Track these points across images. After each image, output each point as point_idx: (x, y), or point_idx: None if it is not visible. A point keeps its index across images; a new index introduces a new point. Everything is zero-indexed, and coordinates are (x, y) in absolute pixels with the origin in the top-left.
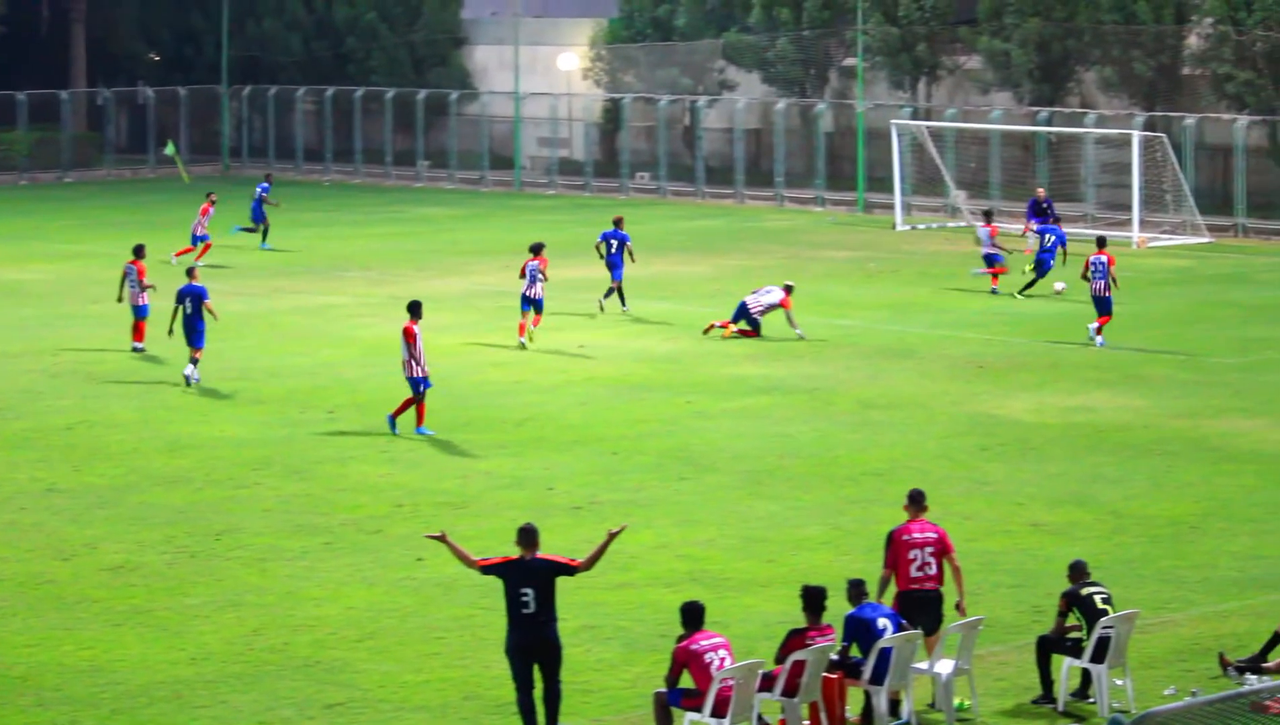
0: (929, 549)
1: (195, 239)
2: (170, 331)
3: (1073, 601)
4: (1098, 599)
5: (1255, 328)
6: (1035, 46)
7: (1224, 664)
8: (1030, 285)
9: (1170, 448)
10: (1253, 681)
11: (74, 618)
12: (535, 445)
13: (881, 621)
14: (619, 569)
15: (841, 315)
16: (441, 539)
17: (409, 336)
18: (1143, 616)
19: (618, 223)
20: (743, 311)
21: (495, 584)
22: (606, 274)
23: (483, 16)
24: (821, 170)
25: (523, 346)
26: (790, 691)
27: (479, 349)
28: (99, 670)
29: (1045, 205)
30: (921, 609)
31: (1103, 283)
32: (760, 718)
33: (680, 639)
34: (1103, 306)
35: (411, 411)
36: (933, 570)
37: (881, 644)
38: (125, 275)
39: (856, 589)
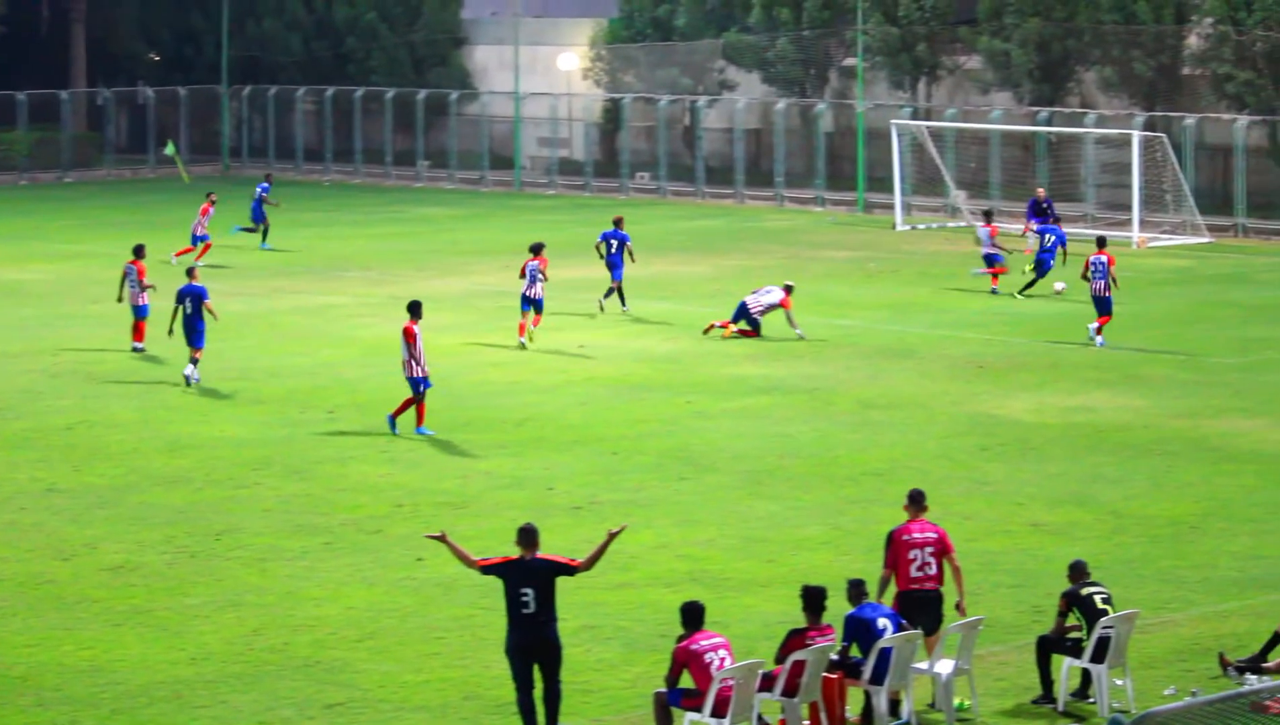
0: (929, 549)
1: (195, 239)
2: (170, 331)
3: (1073, 601)
4: (1098, 599)
5: (1255, 328)
6: (1035, 46)
7: (1224, 664)
8: (1030, 285)
9: (1170, 448)
10: (1253, 681)
11: (74, 618)
12: (535, 445)
13: (881, 621)
14: (619, 569)
15: (841, 315)
16: (441, 539)
17: (409, 336)
18: (1143, 616)
19: (618, 223)
20: (743, 311)
21: (495, 584)
22: (606, 274)
23: (483, 16)
24: (821, 170)
25: (522, 346)
26: (790, 691)
27: (479, 349)
28: (99, 670)
29: (1045, 205)
30: (921, 609)
31: (1102, 283)
32: (760, 718)
33: (680, 639)
34: (1103, 306)
35: (411, 411)
36: (933, 570)
37: (881, 644)
38: (125, 275)
39: (856, 589)
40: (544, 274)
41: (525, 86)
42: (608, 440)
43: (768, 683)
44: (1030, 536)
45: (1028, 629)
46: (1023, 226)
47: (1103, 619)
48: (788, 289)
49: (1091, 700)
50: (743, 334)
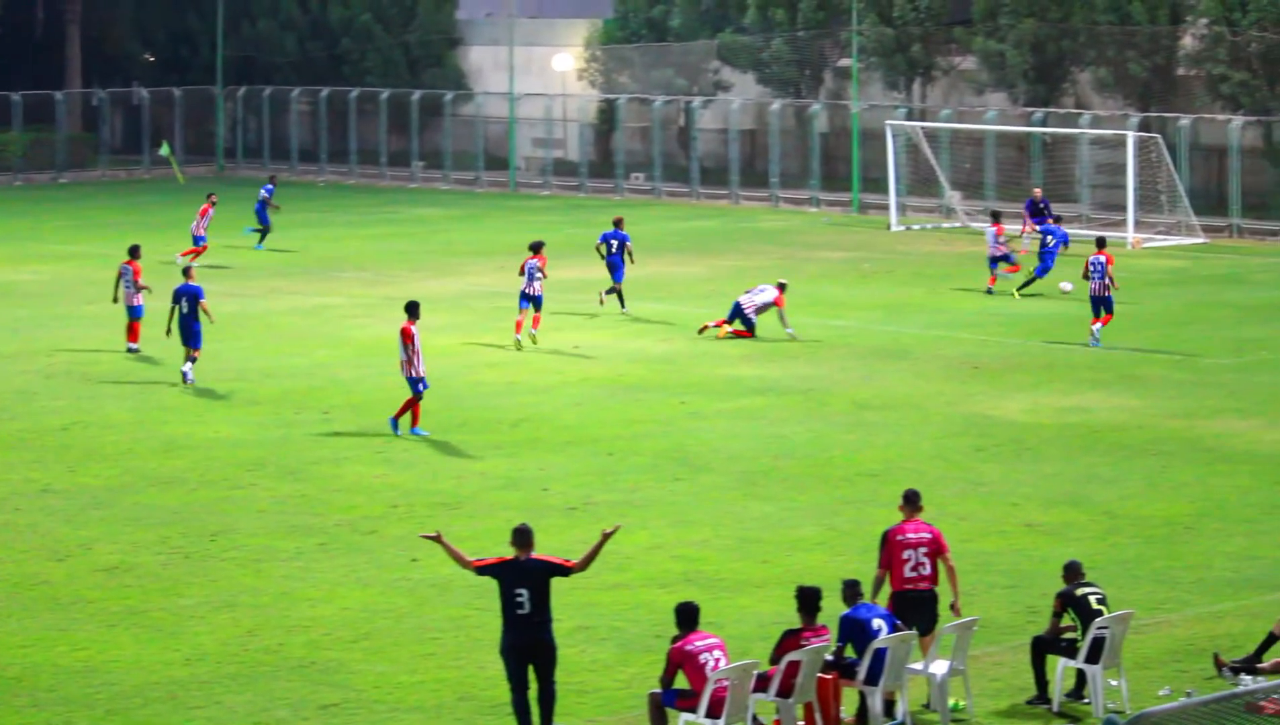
0: (923, 549)
1: (196, 239)
2: (168, 331)
3: (1067, 602)
4: (1092, 599)
5: (1250, 328)
6: (1030, 47)
7: (1219, 664)
8: (1028, 283)
9: (1165, 448)
10: (1247, 682)
11: (69, 618)
12: (530, 446)
13: (876, 622)
14: (614, 569)
15: (836, 316)
16: (437, 539)
17: (406, 337)
18: (1137, 617)
19: (618, 223)
20: (737, 311)
21: (490, 585)
22: (605, 274)
23: (477, 17)
24: (816, 171)
25: (518, 344)
26: (785, 692)
27: (474, 350)
28: (94, 671)
29: (1042, 205)
30: (916, 609)
31: (1099, 283)
32: (755, 718)
33: (675, 639)
34: (1104, 306)
35: (416, 409)
36: (927, 571)
37: (876, 644)
38: (120, 275)
39: (851, 589)
40: (543, 272)
41: (520, 87)
42: (603, 441)
43: (763, 683)
44: (1025, 537)
45: (1022, 629)
46: (1021, 227)
47: (1098, 619)
48: (781, 287)
49: (1086, 701)
50: (737, 335)
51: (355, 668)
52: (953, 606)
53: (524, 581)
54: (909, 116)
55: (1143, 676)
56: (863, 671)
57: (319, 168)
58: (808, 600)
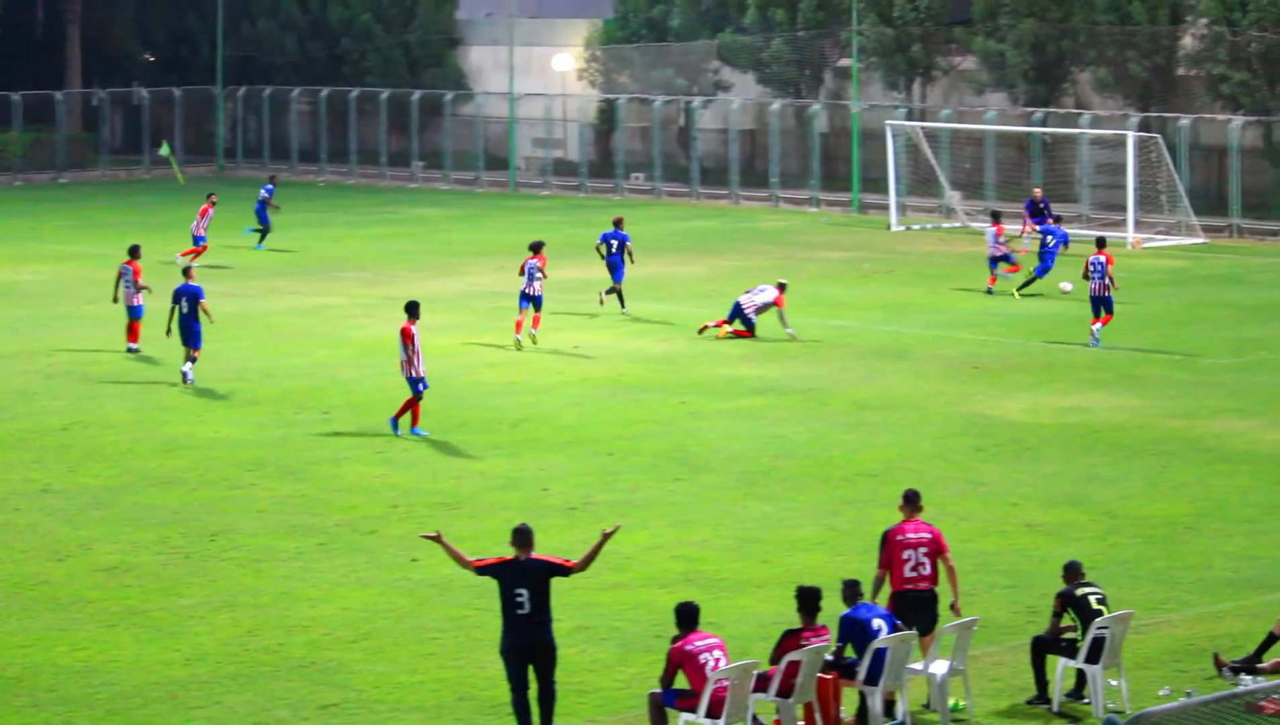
0: (923, 549)
1: (196, 239)
2: (169, 331)
3: (1067, 602)
4: (1092, 599)
5: (1250, 328)
6: (1030, 47)
7: (1219, 664)
8: (1028, 283)
9: (1165, 448)
10: (1247, 682)
11: (69, 618)
12: (530, 446)
13: (876, 622)
14: (614, 569)
15: (836, 316)
16: (437, 539)
17: (406, 337)
18: (1137, 617)
19: (618, 223)
20: (737, 311)
21: (490, 585)
22: (605, 274)
23: (477, 17)
24: (816, 171)
25: (518, 344)
26: (785, 692)
27: (474, 350)
28: (94, 671)
29: (1042, 205)
30: (916, 609)
31: (1098, 282)
32: (755, 718)
33: (675, 639)
34: (1104, 306)
35: (415, 410)
36: (927, 570)
37: (876, 644)
38: (120, 275)
39: (851, 589)
40: (543, 272)
41: (520, 87)
42: (603, 441)
43: (763, 683)
44: (1025, 537)
45: (1022, 629)
46: (1020, 227)
47: (1097, 619)
48: (781, 287)
49: (1086, 701)
50: (737, 335)
51: (355, 668)
52: (952, 606)
53: (524, 581)
54: (909, 116)
55: (1143, 676)
56: (863, 671)
57: (319, 168)
58: (808, 600)
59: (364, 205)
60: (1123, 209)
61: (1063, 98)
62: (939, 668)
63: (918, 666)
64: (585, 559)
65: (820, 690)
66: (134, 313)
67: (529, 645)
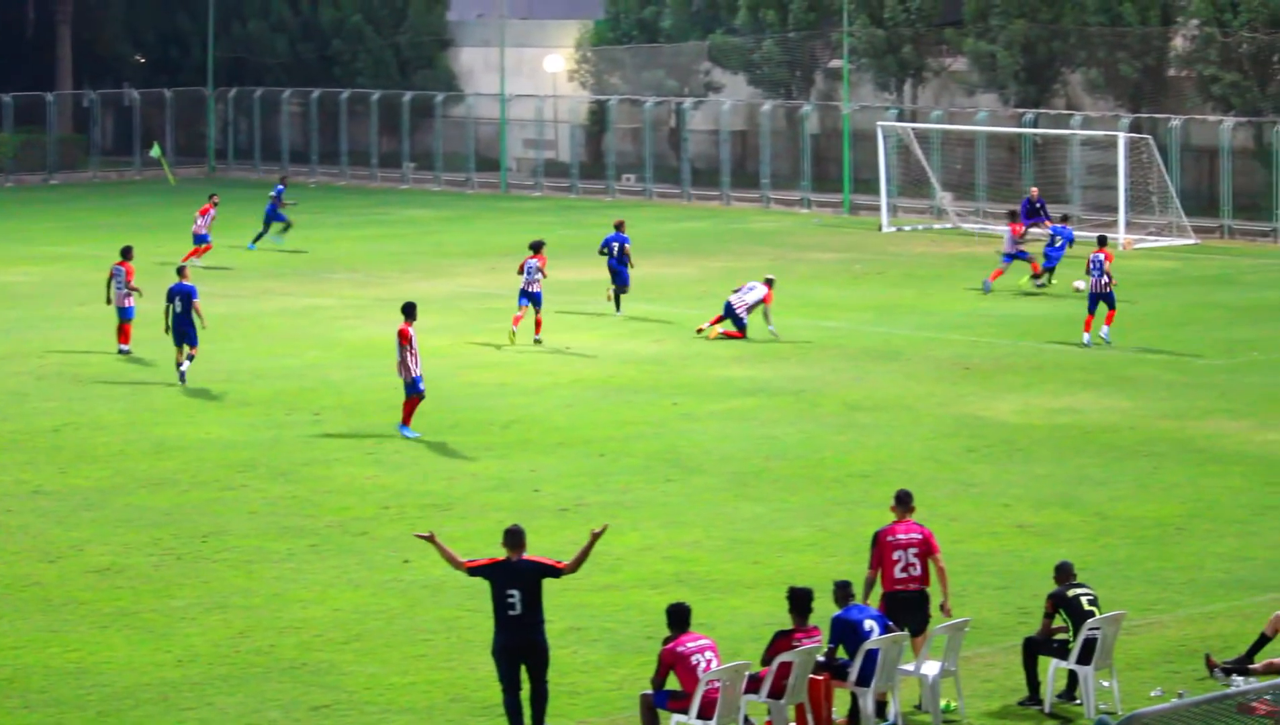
0: (913, 550)
1: (198, 239)
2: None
3: (1059, 603)
4: (1084, 600)
5: (1241, 329)
6: (1021, 48)
7: (1210, 665)
8: (1039, 275)
9: (1156, 449)
10: (1239, 683)
11: (60, 620)
12: (522, 447)
13: (868, 623)
14: (605, 571)
15: (827, 317)
16: (430, 539)
17: (404, 339)
18: (1129, 618)
19: (619, 226)
20: (729, 311)
21: (482, 586)
22: (601, 275)
23: (468, 19)
24: (807, 172)
25: (512, 337)
26: (777, 693)
27: (465, 351)
28: (85, 672)
29: (1038, 205)
30: (907, 610)
31: (1098, 280)
32: (747, 719)
33: (666, 641)
34: (1105, 302)
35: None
36: (917, 571)
37: (868, 645)
38: (112, 276)
39: (843, 590)
40: (542, 272)
41: (511, 88)
42: (594, 442)
43: (754, 684)
44: (1016, 538)
45: (1014, 630)
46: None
47: (1089, 620)
48: (769, 283)
49: (1078, 702)
50: (728, 335)
51: (347, 669)
52: (942, 607)
53: (516, 582)
54: (900, 117)
55: (1134, 677)
56: (854, 672)
57: (310, 169)
58: (799, 601)
59: (355, 206)
60: (1113, 210)
61: (1054, 99)
62: (931, 669)
63: (909, 667)
64: (576, 560)
65: (812, 691)
66: (125, 314)
67: (521, 646)
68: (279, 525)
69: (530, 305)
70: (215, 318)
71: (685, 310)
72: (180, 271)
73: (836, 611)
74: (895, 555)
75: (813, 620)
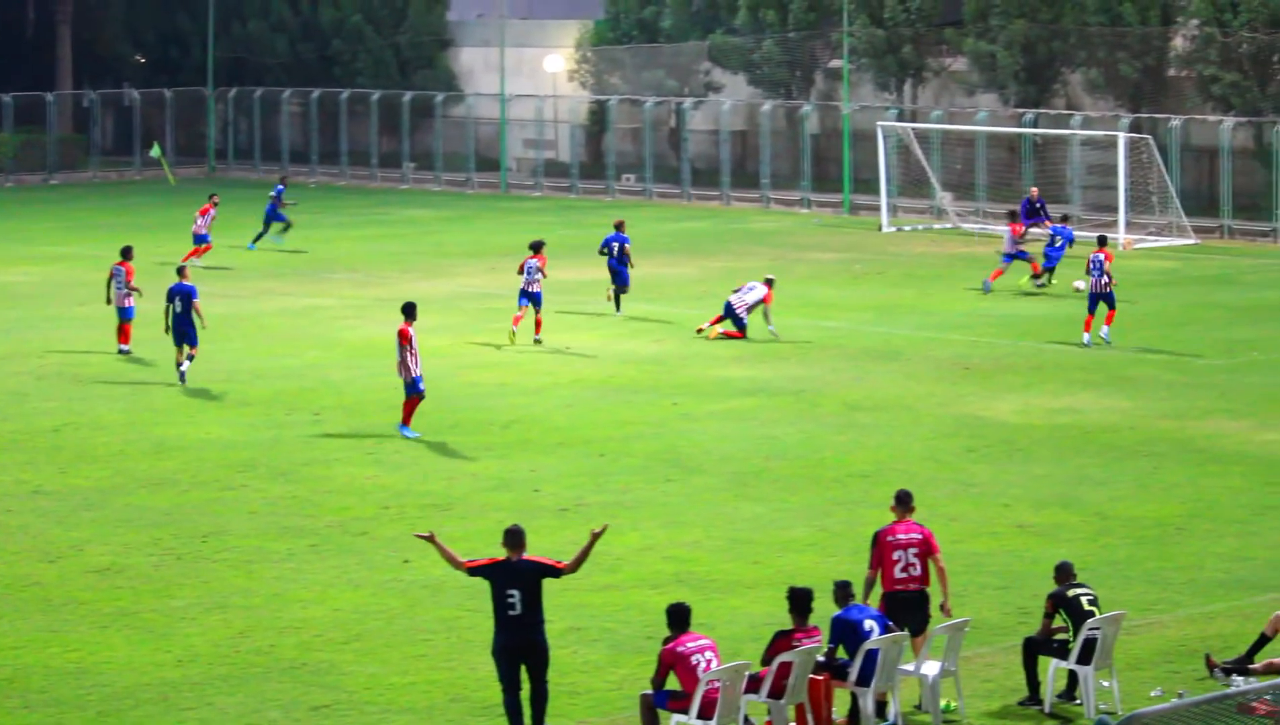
0: (913, 550)
1: (198, 239)
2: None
3: (1059, 603)
4: (1084, 600)
5: (1241, 329)
6: (1021, 48)
7: (1210, 665)
8: (1039, 275)
9: (1156, 449)
10: (1239, 683)
11: (60, 620)
12: (522, 447)
13: (868, 623)
14: (605, 571)
15: (827, 317)
16: (430, 539)
17: (404, 339)
18: (1129, 618)
19: (619, 226)
20: (729, 311)
21: (482, 586)
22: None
23: (468, 19)
24: (807, 172)
25: (512, 336)
26: (777, 693)
27: (465, 351)
28: (85, 672)
29: (1038, 205)
30: (906, 610)
31: (1098, 279)
32: (747, 719)
33: (666, 641)
34: (1105, 302)
35: (407, 410)
36: (917, 571)
37: (868, 645)
38: (113, 276)
39: (843, 591)
40: (543, 272)
41: (511, 88)
42: (594, 442)
43: (754, 684)
44: (1016, 538)
45: (1014, 630)
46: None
47: (1089, 620)
48: (769, 282)
49: (1078, 702)
50: (728, 336)
51: (347, 669)
52: (942, 607)
53: (516, 582)
54: (900, 117)
55: (1134, 677)
56: (854, 673)
57: (310, 169)
58: (799, 601)
59: (355, 206)
60: (1113, 210)
61: (1054, 99)
62: (931, 669)
63: (909, 668)
64: (576, 560)
65: (812, 691)
66: (125, 314)
67: (521, 646)
68: (279, 525)
69: (530, 305)
70: (215, 318)
71: (685, 310)
72: (180, 271)
73: (836, 611)
74: (895, 555)
75: (813, 620)
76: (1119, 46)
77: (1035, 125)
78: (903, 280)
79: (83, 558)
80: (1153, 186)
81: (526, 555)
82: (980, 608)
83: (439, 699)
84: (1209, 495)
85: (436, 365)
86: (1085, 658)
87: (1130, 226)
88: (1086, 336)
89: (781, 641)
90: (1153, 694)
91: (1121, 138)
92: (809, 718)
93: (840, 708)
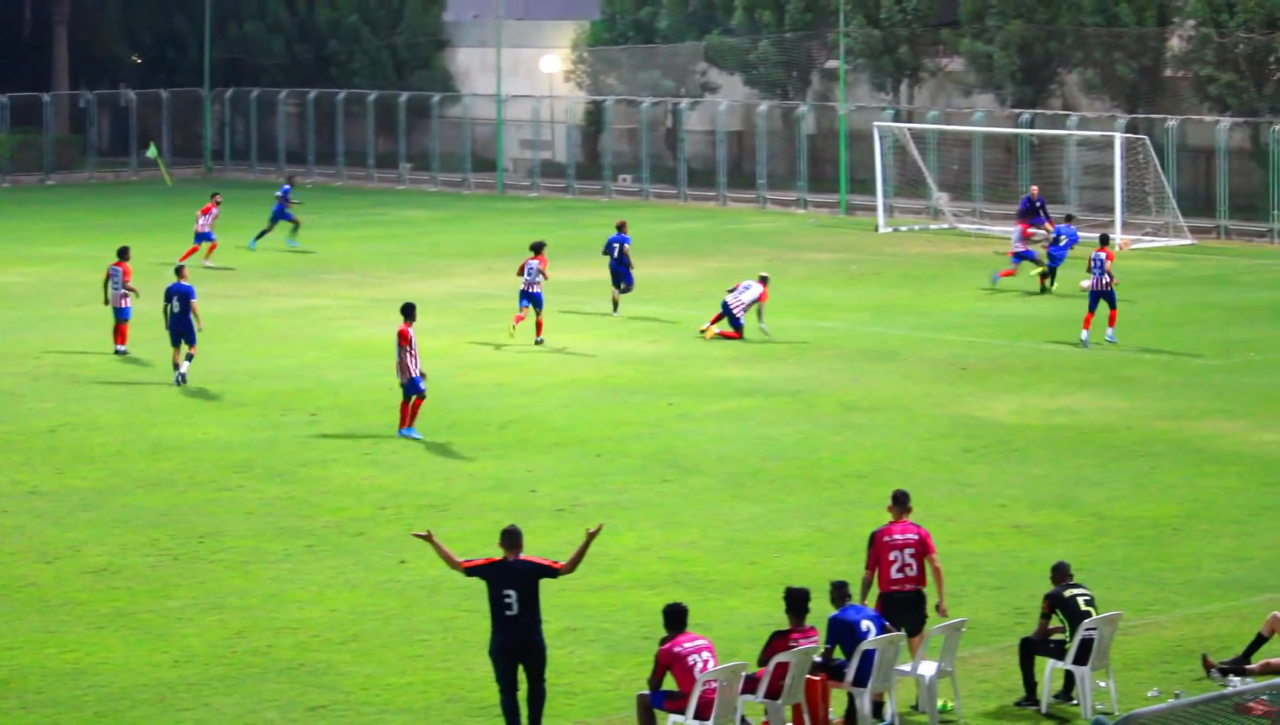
0: (909, 550)
1: (199, 237)
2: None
3: (1055, 603)
4: (1080, 601)
5: (1238, 329)
6: (1017, 48)
7: (1207, 666)
8: (1046, 274)
9: (1153, 449)
10: (1236, 683)
11: (57, 620)
12: (518, 447)
13: (865, 623)
14: (602, 571)
15: (824, 317)
16: (427, 538)
17: (403, 339)
18: (1125, 618)
19: (620, 227)
20: (726, 311)
21: (479, 586)
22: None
23: (465, 19)
24: (804, 172)
25: (511, 332)
26: (773, 693)
27: (462, 351)
28: (82, 673)
29: (1038, 204)
30: (903, 610)
31: (1098, 278)
32: (743, 720)
33: (663, 641)
34: (1106, 300)
35: (409, 412)
36: (913, 572)
37: (865, 646)
38: (109, 277)
39: (839, 591)
40: (544, 273)
41: (507, 89)
42: (591, 442)
43: (751, 685)
44: (1013, 538)
45: (1011, 631)
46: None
47: (1086, 621)
48: (763, 280)
49: (1075, 702)
50: (724, 336)
51: (343, 669)
52: (938, 607)
53: (512, 583)
54: (896, 118)
55: (1131, 678)
56: (851, 673)
57: (306, 169)
58: (796, 601)
59: (351, 207)
60: (1110, 210)
61: (1050, 99)
62: (927, 669)
63: (906, 668)
64: (572, 560)
65: (809, 692)
66: (121, 314)
67: (518, 646)
68: (276, 526)
69: (531, 307)
70: (212, 318)
71: (682, 311)
72: (179, 271)
73: (833, 612)
74: (892, 556)
75: (809, 620)
76: (1115, 47)
77: (1032, 126)
78: (899, 280)
79: (79, 558)
80: (1149, 187)
81: (523, 555)
82: (977, 608)
83: (436, 699)
84: (1206, 495)
85: (434, 366)
86: (1082, 658)
87: (1127, 227)
88: (1085, 334)
89: (778, 642)
90: (1149, 694)
91: (1118, 138)
92: (806, 718)
93: (837, 708)
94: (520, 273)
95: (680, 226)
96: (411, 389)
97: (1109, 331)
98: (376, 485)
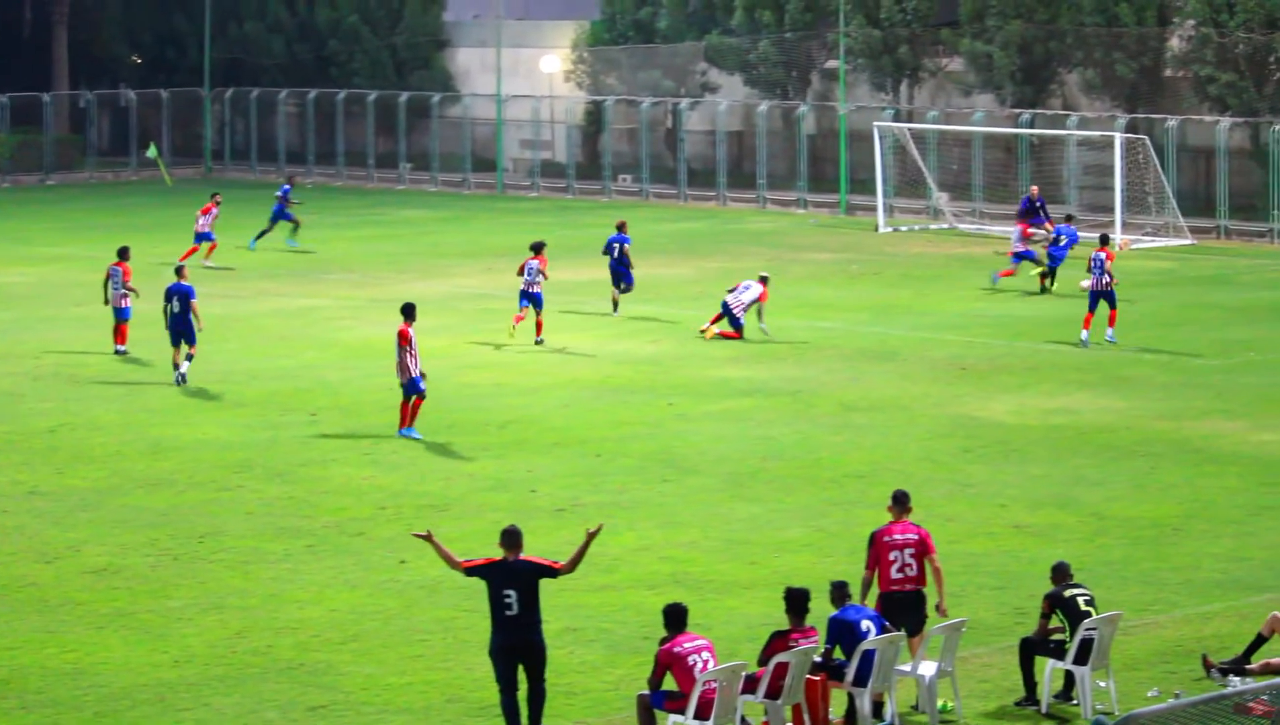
0: (909, 550)
1: (199, 237)
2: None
3: (1055, 603)
4: (1080, 601)
5: (1237, 329)
6: (1017, 49)
7: (1207, 666)
8: (1046, 274)
9: (1153, 449)
10: (1236, 683)
11: (57, 620)
12: (518, 447)
13: (865, 623)
14: (601, 571)
15: (823, 317)
16: (427, 538)
17: (403, 339)
18: (1125, 618)
19: (620, 227)
20: (726, 311)
21: (479, 586)
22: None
23: (465, 19)
24: (804, 172)
25: (511, 332)
26: (773, 693)
27: (462, 351)
28: (82, 673)
29: (1038, 204)
30: (903, 610)
31: (1098, 278)
32: (743, 720)
33: (663, 641)
34: (1106, 300)
35: (409, 411)
36: (913, 572)
37: (865, 646)
38: (109, 277)
39: (839, 591)
40: (544, 273)
41: (507, 89)
42: (590, 442)
43: (751, 685)
44: (1012, 538)
45: (1010, 631)
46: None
47: (1085, 621)
48: (763, 280)
49: (1075, 702)
50: (724, 336)
51: (343, 669)
52: (938, 607)
53: (512, 583)
54: (896, 118)
55: (1131, 678)
56: (851, 673)
57: (306, 169)
58: (796, 601)
59: (351, 207)
60: (1110, 210)
61: (1050, 99)
62: (927, 669)
63: (906, 668)
64: (572, 560)
65: (808, 692)
66: (121, 314)
67: (518, 646)
68: (275, 526)
69: (531, 307)
70: (211, 318)
71: (682, 311)
72: (179, 271)
73: (833, 612)
74: (892, 556)
75: (809, 620)
76: (1115, 47)
77: (1031, 126)
78: (899, 281)
79: (79, 558)
80: (1149, 187)
81: (523, 555)
82: (977, 608)
83: (436, 699)
84: (1205, 495)
85: (433, 366)
86: (1082, 658)
87: (1127, 227)
88: (1085, 334)
89: (778, 642)
90: (1149, 694)
91: (1118, 138)
92: (805, 718)
93: (837, 708)
94: (520, 273)
95: (680, 226)
96: (411, 389)
97: (1109, 331)
98: (376, 485)
